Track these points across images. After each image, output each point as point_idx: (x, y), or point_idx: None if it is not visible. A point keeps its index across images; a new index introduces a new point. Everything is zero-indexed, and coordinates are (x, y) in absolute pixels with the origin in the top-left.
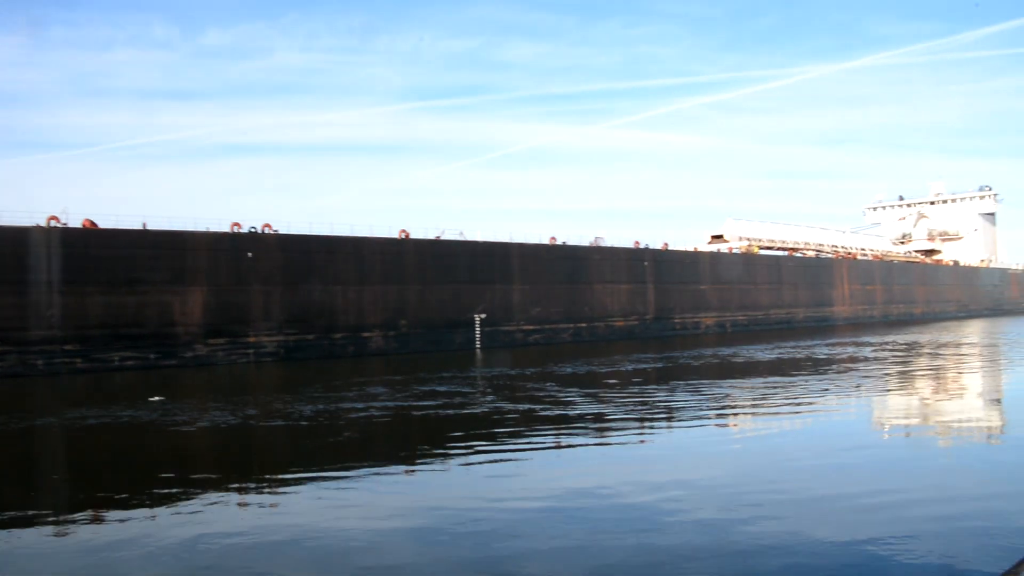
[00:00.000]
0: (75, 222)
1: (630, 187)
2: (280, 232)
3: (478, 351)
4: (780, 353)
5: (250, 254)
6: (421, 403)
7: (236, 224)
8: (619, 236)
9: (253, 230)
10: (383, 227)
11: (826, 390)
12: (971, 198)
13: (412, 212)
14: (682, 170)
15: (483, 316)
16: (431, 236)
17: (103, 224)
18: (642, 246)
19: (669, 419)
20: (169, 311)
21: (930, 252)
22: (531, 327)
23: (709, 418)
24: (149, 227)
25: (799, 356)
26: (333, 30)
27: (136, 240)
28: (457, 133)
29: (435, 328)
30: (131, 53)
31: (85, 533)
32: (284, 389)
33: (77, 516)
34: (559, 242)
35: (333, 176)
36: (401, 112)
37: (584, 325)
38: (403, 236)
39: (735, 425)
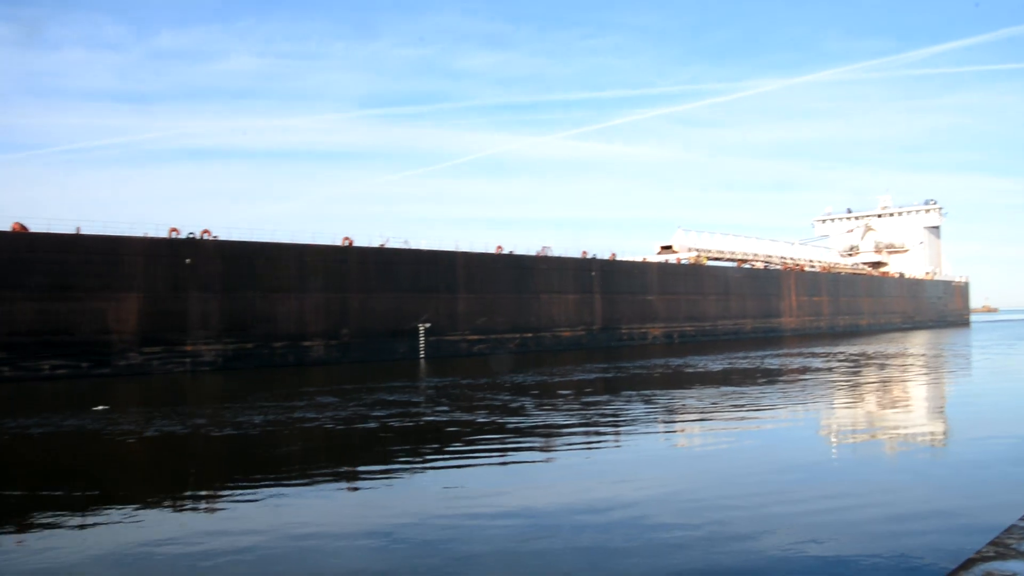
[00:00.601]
0: (4, 225)
1: (587, 197)
2: (220, 238)
3: (422, 361)
4: (729, 364)
5: (188, 260)
6: (375, 413)
7: (174, 230)
8: (572, 246)
9: (192, 236)
10: (336, 234)
11: (776, 400)
12: (917, 211)
13: (367, 219)
14: (638, 181)
15: (427, 325)
16: (375, 244)
17: (35, 228)
18: (590, 256)
19: (620, 429)
20: (102, 318)
21: (877, 264)
22: (476, 337)
23: (660, 429)
24: (84, 231)
25: (749, 367)
26: (290, 35)
27: (68, 245)
28: (414, 141)
29: (378, 337)
30: (81, 53)
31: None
32: (228, 399)
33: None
34: (506, 251)
35: (289, 182)
36: (358, 119)
37: (530, 335)
38: (346, 243)
39: (686, 435)
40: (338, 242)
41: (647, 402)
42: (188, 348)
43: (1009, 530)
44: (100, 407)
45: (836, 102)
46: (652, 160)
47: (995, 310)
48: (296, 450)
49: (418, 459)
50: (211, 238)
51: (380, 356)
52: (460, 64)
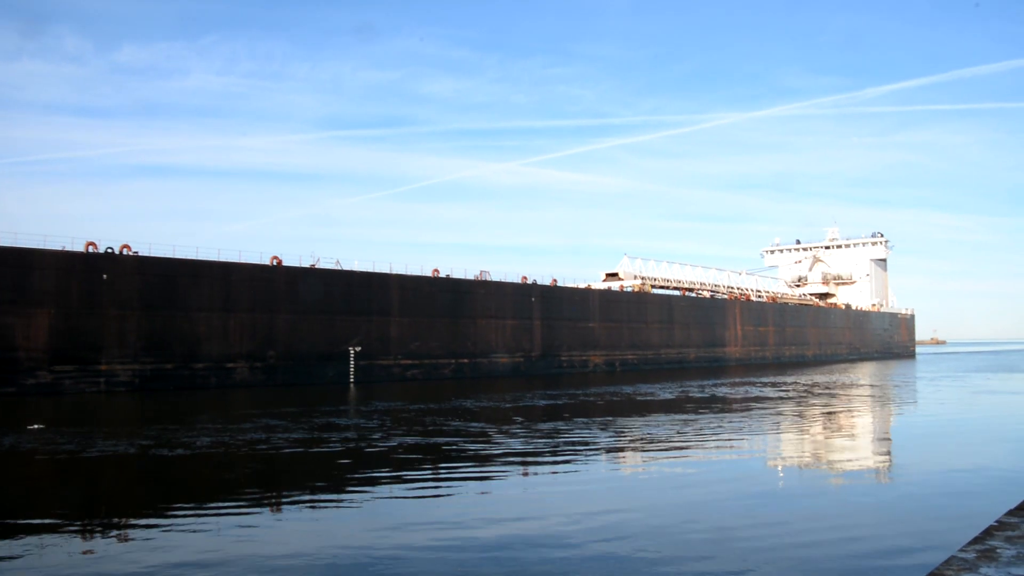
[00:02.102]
0: None
1: (544, 225)
2: (140, 254)
3: (352, 386)
4: (670, 393)
5: (105, 276)
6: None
7: (91, 244)
8: (524, 272)
9: (110, 250)
10: (298, 255)
11: (720, 429)
12: (864, 244)
13: (326, 241)
14: (596, 210)
15: (358, 349)
16: (306, 264)
17: None
18: (530, 281)
19: (565, 456)
20: (10, 334)
21: (825, 295)
22: (409, 362)
23: (604, 458)
24: None
25: (693, 395)
26: (253, 55)
27: None
28: (374, 164)
29: (306, 360)
30: (39, 65)
31: None
32: (136, 421)
33: None
34: (443, 274)
35: (248, 202)
36: (319, 140)
37: (466, 361)
38: (275, 263)
39: (629, 462)
40: (267, 261)
41: (604, 429)
42: (103, 367)
43: (948, 562)
44: (35, 426)
45: (792, 136)
46: (610, 190)
47: (943, 342)
48: (249, 472)
49: (385, 483)
50: (131, 253)
51: (308, 380)
52: (423, 89)
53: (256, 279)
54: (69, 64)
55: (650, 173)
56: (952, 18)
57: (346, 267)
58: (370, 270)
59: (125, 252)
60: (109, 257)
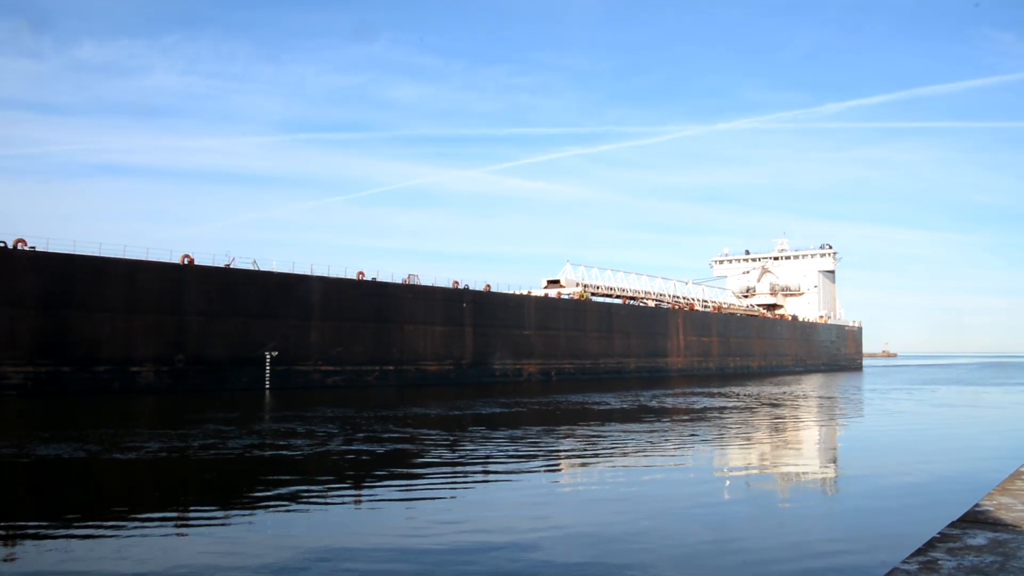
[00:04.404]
0: None
1: (504, 232)
2: (37, 249)
3: (267, 392)
4: (601, 404)
5: None
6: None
7: None
8: (452, 276)
9: (3, 245)
10: (244, 257)
11: (663, 441)
12: (812, 255)
13: (281, 245)
14: (556, 218)
15: (275, 354)
16: (220, 263)
17: None
18: (462, 286)
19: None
20: None
21: (773, 307)
22: (331, 368)
23: (539, 469)
24: None
25: (626, 407)
26: (216, 55)
27: None
28: (335, 168)
29: (218, 364)
30: None
31: None
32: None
33: None
34: (368, 277)
35: (205, 204)
36: (280, 143)
37: (392, 368)
38: (186, 262)
39: (574, 474)
40: (177, 259)
41: (572, 436)
42: None
43: (890, 574)
44: None
45: (751, 150)
46: (571, 198)
47: (894, 355)
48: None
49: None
50: (26, 248)
51: (220, 385)
52: (387, 95)
53: (165, 278)
54: (26, 59)
55: (611, 183)
56: (909, 39)
57: (264, 268)
58: (290, 271)
59: (19, 247)
60: (0, 252)
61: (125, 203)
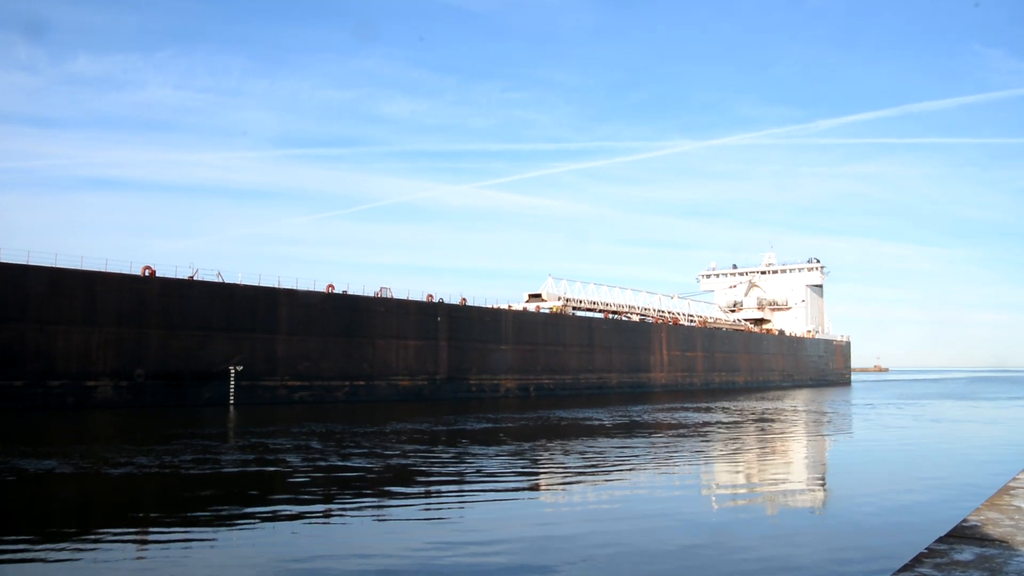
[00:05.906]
0: None
1: (498, 247)
2: None
3: (231, 408)
4: (591, 419)
5: None
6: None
7: None
8: (426, 290)
9: None
10: (169, 267)
11: (645, 457)
12: (800, 269)
13: (274, 260)
14: (549, 233)
15: (239, 368)
16: (183, 276)
17: None
18: (436, 300)
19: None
20: None
21: (760, 321)
22: (298, 383)
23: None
24: None
25: (604, 423)
26: (211, 69)
27: None
28: (330, 183)
29: (180, 379)
30: None
31: None
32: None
33: None
34: (338, 290)
35: (198, 219)
36: (274, 158)
37: (362, 383)
38: (147, 274)
39: (558, 493)
40: (138, 271)
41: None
42: None
43: None
44: None
45: (745, 165)
46: (563, 214)
47: (885, 370)
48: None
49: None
50: None
51: (182, 401)
52: (381, 110)
53: (124, 290)
54: (21, 72)
55: (603, 198)
56: (901, 56)
57: (230, 280)
58: (256, 284)
59: None
60: None
61: (119, 217)
